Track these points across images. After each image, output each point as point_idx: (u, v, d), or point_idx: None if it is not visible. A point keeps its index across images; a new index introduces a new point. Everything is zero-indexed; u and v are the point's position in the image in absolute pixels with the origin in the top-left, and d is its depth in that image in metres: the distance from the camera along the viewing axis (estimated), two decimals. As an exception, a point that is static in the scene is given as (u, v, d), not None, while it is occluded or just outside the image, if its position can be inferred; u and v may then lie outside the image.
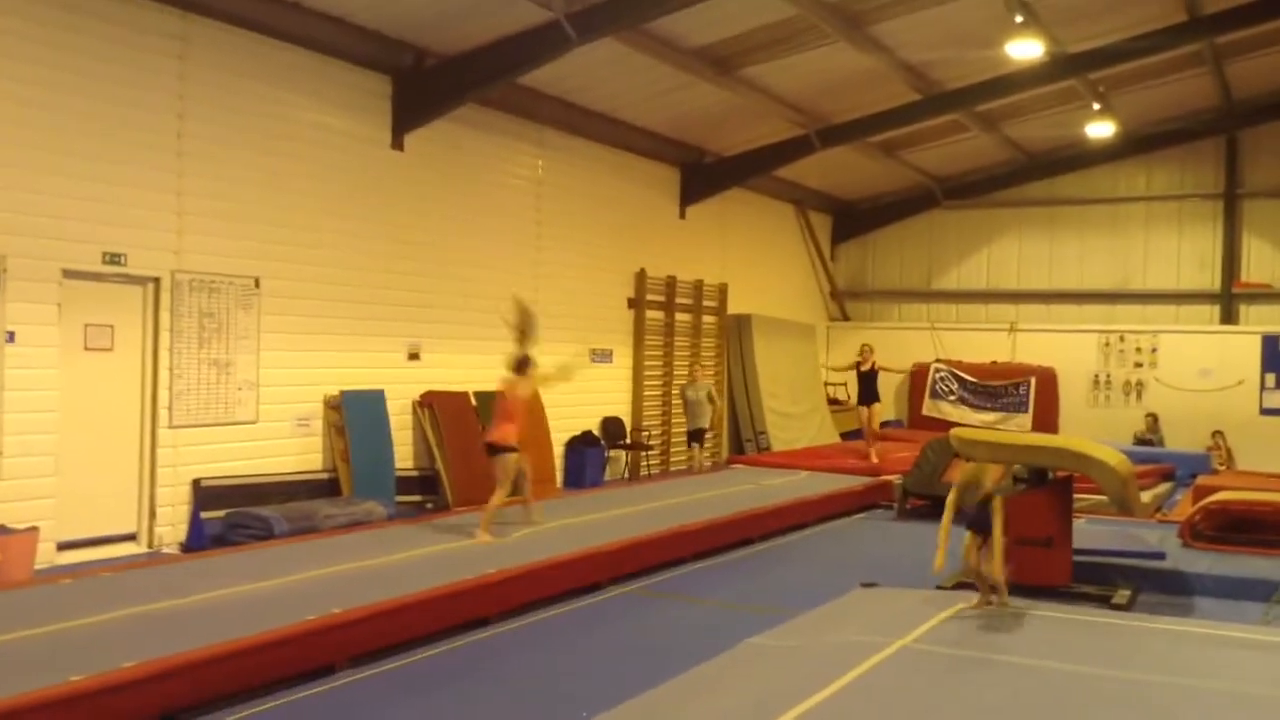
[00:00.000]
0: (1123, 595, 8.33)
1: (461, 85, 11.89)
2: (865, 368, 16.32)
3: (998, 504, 7.12)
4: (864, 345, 16.85)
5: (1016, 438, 10.01)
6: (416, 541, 8.96)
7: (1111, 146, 19.10)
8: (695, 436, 15.61)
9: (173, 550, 9.72)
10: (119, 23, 9.36)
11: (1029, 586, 8.18)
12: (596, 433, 15.21)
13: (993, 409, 20.37)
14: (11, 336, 8.61)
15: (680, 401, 15.96)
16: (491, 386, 13.11)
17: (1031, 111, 17.50)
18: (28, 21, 8.74)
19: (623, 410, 15.91)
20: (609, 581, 8.78)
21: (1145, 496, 12.42)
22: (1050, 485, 8.63)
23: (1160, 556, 9.32)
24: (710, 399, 15.52)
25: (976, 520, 7.22)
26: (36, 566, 8.50)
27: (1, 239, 8.54)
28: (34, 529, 8.55)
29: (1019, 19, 12.51)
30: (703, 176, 17.23)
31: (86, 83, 9.13)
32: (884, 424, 20.97)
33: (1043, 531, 8.47)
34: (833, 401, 21.11)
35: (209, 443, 10.20)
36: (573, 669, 6.66)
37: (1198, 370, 19.25)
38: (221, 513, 10.05)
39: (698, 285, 17.63)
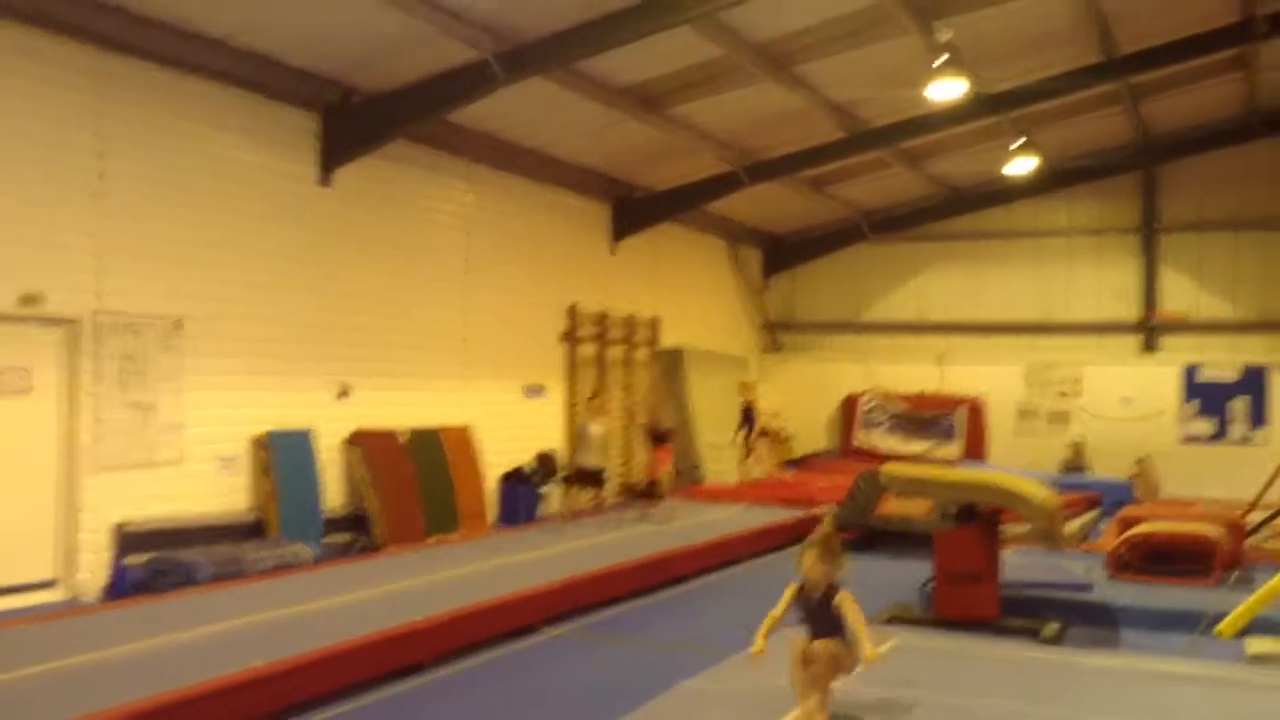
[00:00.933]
0: (1052, 629, 8.42)
1: (390, 122, 11.82)
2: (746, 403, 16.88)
3: (847, 601, 5.68)
4: (743, 382, 17.19)
5: (945, 474, 10.14)
6: (345, 585, 8.81)
7: (1033, 182, 19.51)
8: (589, 478, 14.32)
9: (93, 598, 9.44)
10: (35, 59, 9.14)
11: (958, 621, 8.28)
12: (529, 468, 15.09)
13: (923, 438, 20.59)
14: (-78, 381, 8.35)
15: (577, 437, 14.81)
16: (423, 423, 13.08)
17: (955, 148, 17.85)
18: (-60, 58, 8.53)
19: (556, 445, 15.83)
20: (543, 622, 8.69)
21: (1072, 525, 12.67)
22: (978, 520, 8.73)
23: (1088, 589, 9.48)
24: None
25: (814, 616, 5.75)
26: (-52, 618, 8.23)
27: (-88, 281, 8.29)
28: (-55, 580, 8.27)
29: (941, 60, 12.75)
30: (633, 211, 17.29)
31: (1, 120, 8.92)
32: (816, 454, 21.25)
33: (972, 566, 8.58)
34: (765, 433, 21.22)
35: (131, 487, 9.92)
36: (508, 715, 6.57)
37: (1120, 399, 19.70)
38: (145, 558, 9.78)
39: (630, 319, 17.65)
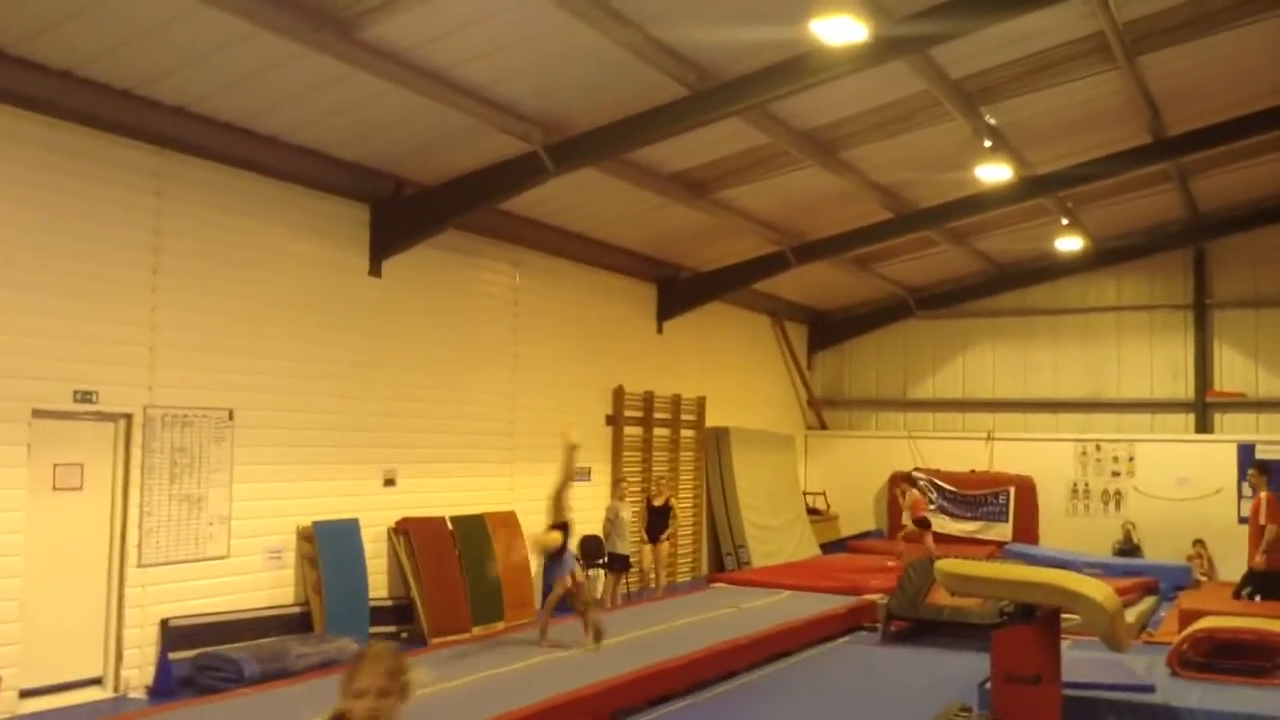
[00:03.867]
0: (1115, 735, 8.15)
1: (440, 213, 11.96)
2: (658, 502, 15.35)
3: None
4: (659, 479, 16.22)
5: (1001, 571, 9.90)
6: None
7: (1081, 258, 19.37)
8: (619, 564, 14.55)
9: (139, 695, 9.41)
10: (96, 161, 9.36)
11: (1019, 727, 8.03)
12: (575, 553, 14.95)
13: (973, 518, 20.27)
14: (-22, 479, 8.43)
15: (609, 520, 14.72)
16: (469, 510, 13.04)
17: (1002, 227, 17.77)
18: (2, 160, 8.72)
19: (601, 529, 15.71)
20: (593, 725, 8.53)
21: (1130, 615, 12.33)
22: (1037, 620, 8.49)
23: (1150, 689, 9.16)
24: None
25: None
26: (-2, 717, 8.23)
27: (-30, 380, 8.41)
28: (-4, 678, 8.28)
29: (988, 144, 12.75)
30: (679, 292, 17.33)
31: (62, 220, 9.10)
32: (864, 534, 20.95)
33: (1032, 669, 8.32)
34: (812, 511, 21.00)
35: (179, 580, 9.95)
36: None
37: (1175, 479, 19.27)
38: (191, 653, 9.76)
39: (675, 399, 17.60)
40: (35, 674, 8.83)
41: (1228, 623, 10.48)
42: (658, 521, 15.23)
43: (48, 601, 8.97)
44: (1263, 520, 13.10)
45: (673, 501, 15.50)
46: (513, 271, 14.23)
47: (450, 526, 12.78)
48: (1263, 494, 13.27)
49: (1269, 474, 13.82)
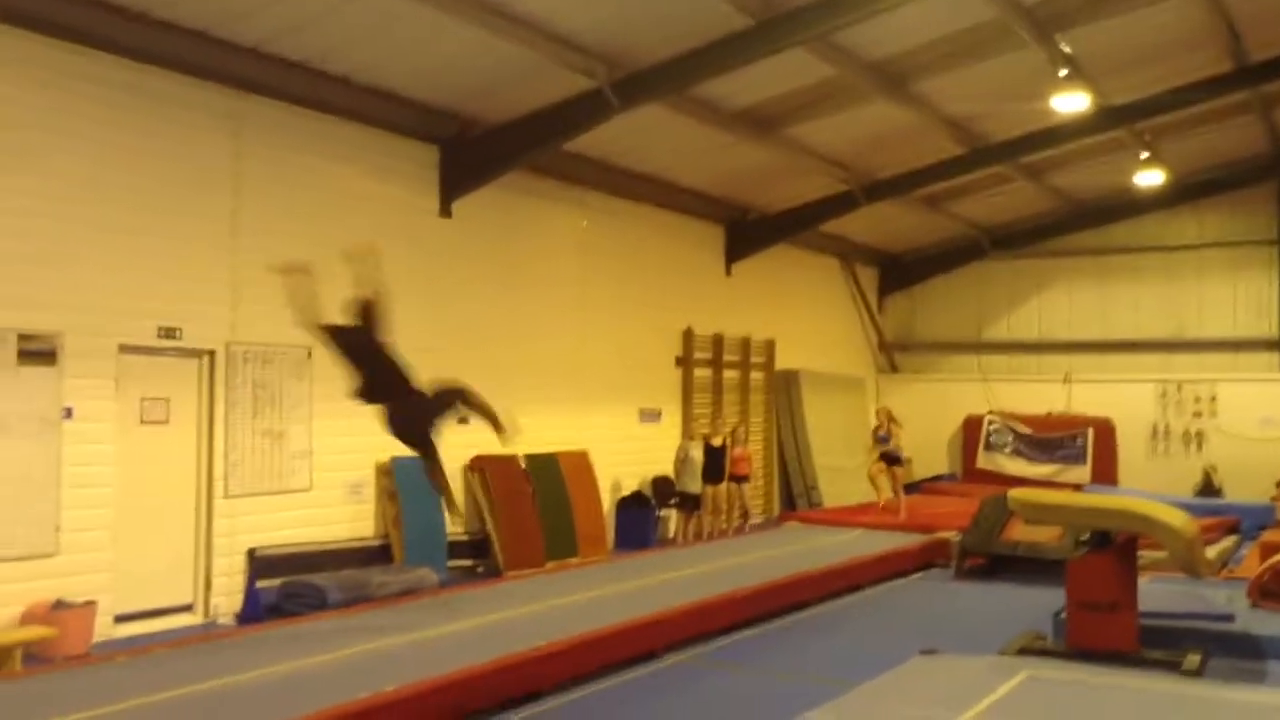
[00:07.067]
0: (1192, 661, 8.05)
1: (507, 153, 12.02)
2: (716, 442, 15.18)
3: None
4: (716, 419, 15.96)
5: (1077, 499, 9.83)
6: (468, 611, 8.91)
7: (1161, 194, 18.87)
8: (689, 503, 14.80)
9: (228, 621, 9.75)
10: (176, 103, 9.60)
11: (1095, 652, 7.99)
12: (647, 493, 15.12)
13: (1050, 461, 20.03)
14: (69, 412, 8.75)
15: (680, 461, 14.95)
16: (541, 449, 13.21)
17: (1078, 161, 17.37)
18: (88, 103, 8.96)
19: (672, 469, 15.81)
20: (665, 649, 8.66)
21: (1210, 552, 12.15)
22: (1113, 548, 8.42)
23: (1229, 619, 9.04)
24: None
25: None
26: (94, 640, 8.57)
27: (59, 316, 8.71)
28: (91, 603, 8.62)
29: (1063, 73, 12.45)
30: (748, 233, 17.26)
31: (144, 161, 9.35)
32: (937, 477, 20.81)
33: (1107, 595, 8.26)
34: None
35: (263, 512, 10.26)
36: (629, 745, 6.57)
37: (1259, 419, 18.84)
38: (277, 581, 10.08)
39: (745, 341, 17.59)
40: (128, 600, 9.19)
41: (1311, 553, 10.28)
42: (715, 462, 15.14)
43: (139, 531, 9.31)
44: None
45: (727, 442, 15.37)
46: (580, 213, 14.27)
47: (524, 465, 12.96)
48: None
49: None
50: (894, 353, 22.58)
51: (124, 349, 9.18)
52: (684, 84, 11.61)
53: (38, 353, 8.58)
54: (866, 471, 16.78)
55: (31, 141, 8.63)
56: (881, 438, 16.11)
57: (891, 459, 16.08)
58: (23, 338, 8.48)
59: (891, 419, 16.13)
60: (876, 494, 16.13)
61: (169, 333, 9.49)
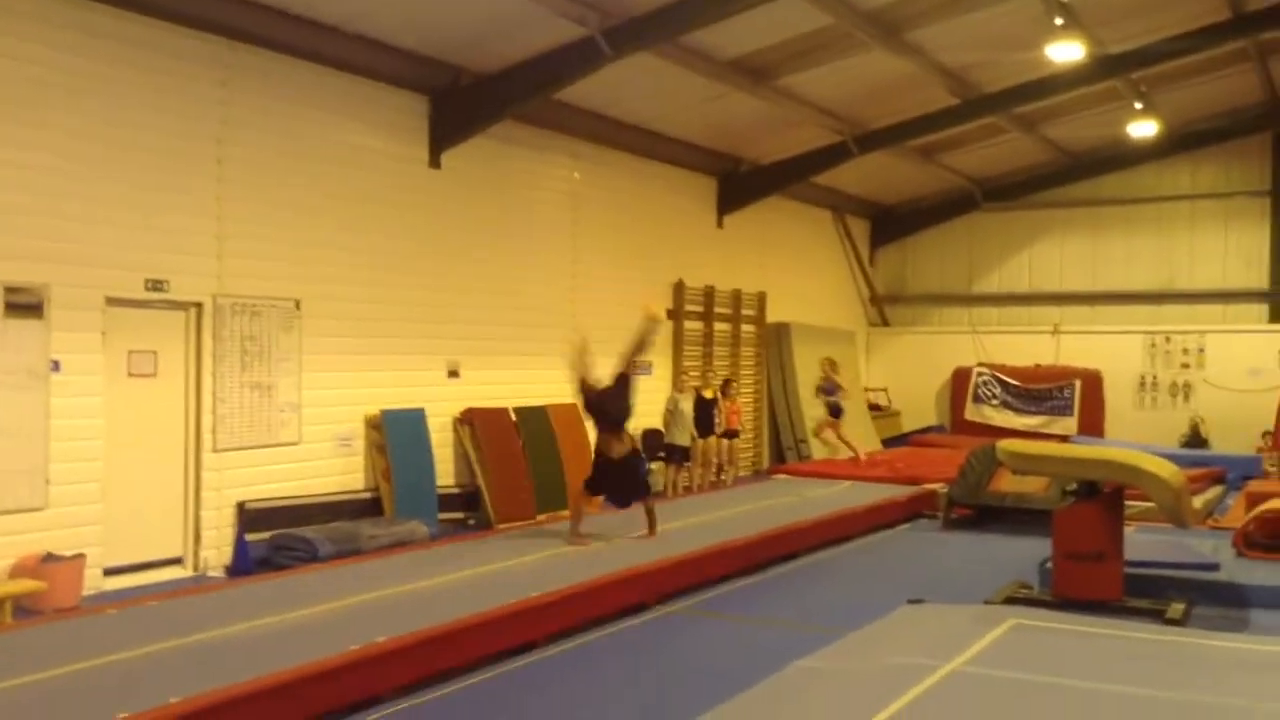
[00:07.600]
0: (1177, 609, 8.14)
1: (498, 102, 11.91)
2: (708, 394, 15.12)
3: None
4: (707, 371, 15.84)
5: (1065, 450, 9.87)
6: (459, 563, 8.92)
7: (1155, 145, 18.81)
8: (678, 455, 14.74)
9: (218, 574, 9.77)
10: (164, 52, 9.45)
11: (1079, 601, 8.06)
12: (637, 445, 15.10)
13: (1037, 412, 20.14)
14: (56, 365, 8.70)
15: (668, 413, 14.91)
16: (531, 402, 13.20)
17: (1072, 112, 17.28)
18: (72, 53, 8.82)
19: (661, 421, 15.83)
20: (656, 600, 8.71)
21: (1196, 502, 12.23)
22: (1100, 498, 8.47)
23: (1214, 568, 9.13)
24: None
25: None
26: (84, 593, 8.59)
27: (45, 268, 8.62)
28: (81, 555, 8.63)
29: (1059, 21, 12.35)
30: (739, 185, 17.17)
31: (130, 112, 9.22)
32: (925, 429, 20.90)
33: (1094, 545, 8.32)
34: (873, 407, 20.96)
35: (252, 465, 10.25)
36: (620, 695, 6.61)
37: (1247, 370, 18.93)
38: (266, 534, 10.10)
39: (736, 294, 17.55)
40: (118, 553, 9.20)
41: (1296, 503, 10.36)
42: (706, 415, 15.08)
43: (128, 484, 9.30)
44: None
45: (718, 394, 15.36)
46: (572, 164, 14.17)
47: (514, 417, 12.96)
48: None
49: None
50: (885, 305, 22.56)
51: (111, 301, 9.11)
52: (677, 31, 11.48)
53: (25, 305, 8.51)
54: (813, 430, 16.84)
55: (15, 94, 8.49)
56: (826, 389, 16.13)
57: (836, 410, 16.11)
58: (9, 290, 8.41)
59: (834, 368, 16.18)
60: (832, 451, 16.12)
61: (156, 285, 9.42)
